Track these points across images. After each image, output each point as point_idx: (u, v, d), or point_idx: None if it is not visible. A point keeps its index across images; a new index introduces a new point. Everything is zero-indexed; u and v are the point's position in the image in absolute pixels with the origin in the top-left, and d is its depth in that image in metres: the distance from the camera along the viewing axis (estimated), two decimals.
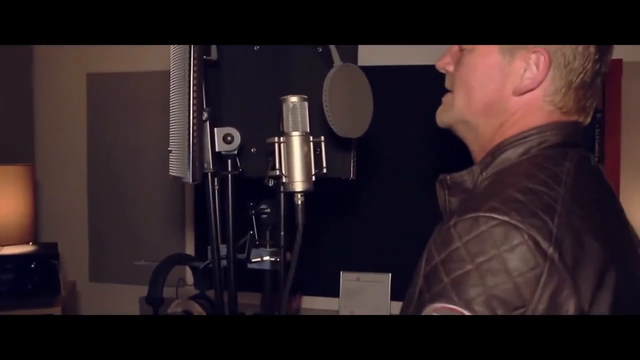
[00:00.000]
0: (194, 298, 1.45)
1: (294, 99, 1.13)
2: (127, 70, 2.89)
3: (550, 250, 0.72)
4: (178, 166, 1.11)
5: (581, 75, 0.87)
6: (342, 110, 1.09)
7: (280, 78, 1.25)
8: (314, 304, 2.74)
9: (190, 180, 1.06)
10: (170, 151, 1.13)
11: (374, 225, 2.68)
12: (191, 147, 1.05)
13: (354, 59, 1.25)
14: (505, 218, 0.73)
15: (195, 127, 1.06)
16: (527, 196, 0.77)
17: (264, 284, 1.29)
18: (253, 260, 1.25)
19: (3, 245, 2.34)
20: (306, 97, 1.14)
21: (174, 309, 1.43)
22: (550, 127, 0.89)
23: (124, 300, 2.76)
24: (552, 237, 0.73)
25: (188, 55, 1.06)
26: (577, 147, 0.91)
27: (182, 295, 1.55)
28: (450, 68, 0.97)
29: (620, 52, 2.22)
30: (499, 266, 0.72)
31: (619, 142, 2.24)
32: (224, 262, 1.21)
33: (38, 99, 3.03)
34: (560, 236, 0.74)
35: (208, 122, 1.15)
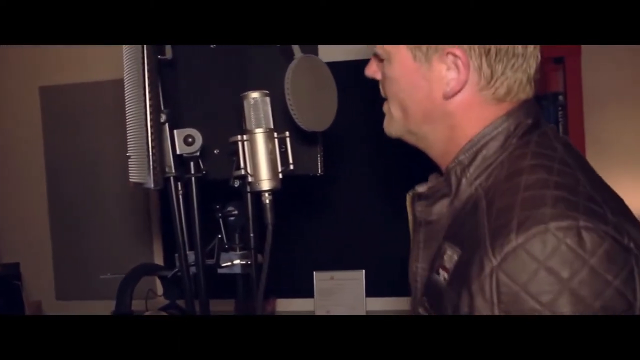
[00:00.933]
0: (164, 308, 1.40)
1: (255, 94, 1.10)
2: (81, 80, 2.81)
3: (626, 241, 0.70)
4: (138, 172, 1.06)
5: (502, 63, 0.84)
6: (305, 103, 1.06)
7: (239, 75, 1.22)
8: (289, 307, 2.71)
9: (152, 186, 1.01)
10: (129, 157, 1.08)
11: (344, 222, 2.66)
12: (150, 151, 1.00)
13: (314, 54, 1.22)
14: (575, 223, 0.70)
15: (153, 130, 1.01)
16: (565, 191, 0.74)
17: (237, 288, 1.25)
18: (223, 264, 1.21)
19: None
20: (268, 92, 1.10)
21: None
22: (515, 110, 0.87)
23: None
24: (619, 229, 0.71)
25: (141, 56, 1.01)
26: (542, 120, 0.89)
27: (153, 306, 1.50)
28: (378, 76, 0.95)
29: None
30: (591, 277, 0.68)
31: (583, 125, 2.25)
32: (193, 269, 1.17)
33: None
34: (618, 223, 0.72)
35: (167, 125, 1.10)
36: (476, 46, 0.84)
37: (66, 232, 2.89)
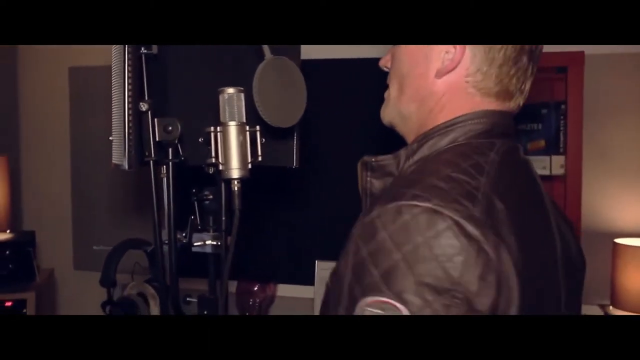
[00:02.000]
0: (148, 281, 1.52)
1: (230, 90, 1.18)
2: (107, 63, 2.94)
3: (476, 233, 0.73)
4: (118, 154, 1.17)
5: (497, 56, 0.89)
6: (271, 101, 1.15)
7: (221, 71, 1.31)
8: (289, 292, 2.81)
9: (127, 167, 1.12)
10: (111, 140, 1.19)
11: (350, 213, 2.73)
12: (127, 137, 1.11)
13: (296, 55, 1.30)
14: (428, 204, 0.73)
15: (130, 118, 1.12)
16: (448, 184, 0.78)
17: (208, 267, 1.35)
18: (195, 244, 1.31)
19: None
20: (242, 89, 1.19)
21: (129, 291, 1.50)
22: (478, 114, 0.90)
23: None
24: (475, 221, 0.73)
25: (124, 49, 1.12)
26: (506, 138, 0.92)
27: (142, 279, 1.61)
28: (389, 64, 1.02)
29: (582, 44, 2.28)
30: (427, 253, 0.71)
31: (581, 133, 2.28)
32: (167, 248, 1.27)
33: (22, 93, 3.09)
34: (483, 221, 0.74)
35: (149, 113, 1.20)
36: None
37: (86, 207, 3.04)
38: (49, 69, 3.06)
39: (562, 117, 2.37)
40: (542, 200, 0.95)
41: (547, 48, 2.29)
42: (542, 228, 0.91)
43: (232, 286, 2.72)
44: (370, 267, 0.74)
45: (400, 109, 0.99)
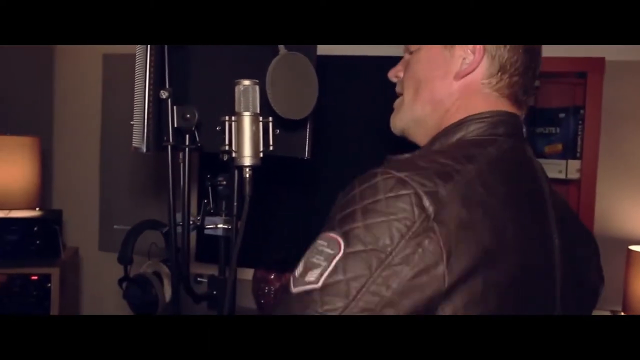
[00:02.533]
0: (164, 261, 1.59)
1: (246, 82, 1.25)
2: None
3: (431, 208, 0.77)
4: (137, 138, 1.24)
5: (512, 62, 0.96)
6: (283, 94, 1.21)
7: (238, 64, 1.37)
8: None
9: (145, 150, 1.19)
10: (132, 125, 1.26)
11: None
12: (146, 122, 1.18)
13: (312, 52, 1.36)
14: (399, 174, 0.80)
15: (151, 104, 1.19)
16: (431, 164, 0.83)
17: (219, 251, 1.41)
18: (207, 226, 1.37)
19: (10, 209, 2.53)
20: (257, 81, 1.25)
21: (145, 269, 1.57)
22: (488, 114, 0.96)
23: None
24: (436, 198, 0.78)
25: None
26: (512, 137, 0.96)
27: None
28: (401, 74, 1.07)
29: (603, 50, 2.29)
30: (380, 208, 0.78)
31: (598, 139, 2.30)
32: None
33: (57, 78, 3.21)
34: (448, 201, 0.79)
35: (169, 100, 1.27)
36: (493, 46, 0.96)
37: (113, 190, 3.14)
38: (84, 56, 3.17)
39: (580, 122, 2.39)
40: (542, 199, 0.96)
41: (568, 53, 2.31)
42: (535, 222, 0.93)
43: (249, 273, 2.79)
44: (337, 212, 0.82)
45: (414, 113, 1.04)
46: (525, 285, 0.87)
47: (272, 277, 2.79)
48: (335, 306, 0.76)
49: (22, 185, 2.55)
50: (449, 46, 0.98)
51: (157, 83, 1.21)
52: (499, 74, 0.96)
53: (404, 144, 1.08)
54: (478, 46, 0.96)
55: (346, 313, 0.75)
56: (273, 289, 2.77)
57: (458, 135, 0.96)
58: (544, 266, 0.92)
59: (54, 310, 2.40)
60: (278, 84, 1.20)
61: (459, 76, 0.98)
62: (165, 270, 1.55)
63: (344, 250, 0.78)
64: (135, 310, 1.47)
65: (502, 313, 0.82)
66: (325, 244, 0.80)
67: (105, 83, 3.15)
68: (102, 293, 3.10)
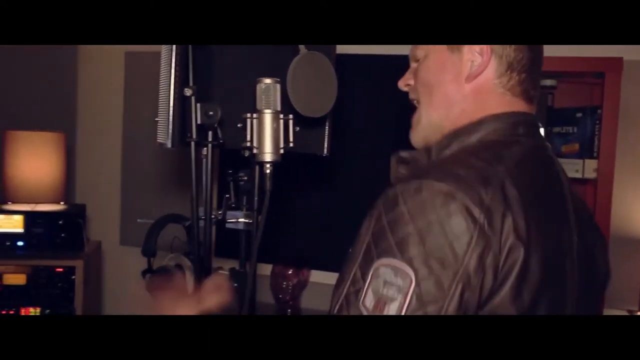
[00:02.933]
0: (186, 254, 1.63)
1: (267, 81, 1.29)
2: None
3: (481, 217, 0.81)
4: (162, 134, 1.29)
5: (518, 59, 0.99)
6: (303, 92, 1.25)
7: (260, 63, 1.41)
8: (321, 278, 2.91)
9: (169, 145, 1.24)
10: (156, 121, 1.31)
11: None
12: (170, 118, 1.22)
13: (332, 51, 1.40)
14: (444, 186, 0.82)
15: (175, 101, 1.23)
16: (467, 170, 0.86)
17: (239, 245, 1.45)
18: (229, 220, 1.42)
19: (37, 203, 2.60)
20: (278, 80, 1.29)
21: (168, 262, 1.62)
22: (507, 114, 1.00)
23: (145, 263, 2.99)
24: (483, 206, 0.82)
25: None
26: (531, 137, 1.00)
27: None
28: (411, 82, 1.10)
29: (621, 50, 2.30)
30: (438, 229, 0.80)
31: (615, 139, 2.31)
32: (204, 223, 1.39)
33: (81, 75, 3.28)
34: (492, 207, 0.83)
35: (193, 98, 1.32)
36: (498, 46, 0.99)
37: (134, 185, 3.20)
38: (107, 53, 3.23)
39: (597, 122, 2.40)
40: (563, 196, 1.01)
41: (586, 53, 2.32)
42: (559, 219, 0.98)
43: (267, 269, 2.83)
44: (388, 233, 0.83)
45: (431, 119, 1.06)
46: (544, 281, 0.90)
47: (290, 272, 2.83)
48: None
49: (48, 180, 2.62)
50: (456, 50, 1.02)
51: (181, 81, 1.26)
52: (508, 72, 1.00)
53: None
54: (485, 48, 0.99)
55: None
56: (291, 284, 2.82)
57: (479, 135, 0.99)
58: (563, 264, 0.95)
59: (78, 301, 2.46)
60: (298, 83, 1.24)
61: (470, 78, 1.01)
62: (187, 263, 1.59)
63: (415, 279, 0.81)
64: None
65: (534, 307, 0.87)
66: (392, 273, 0.82)
67: (127, 80, 3.21)
68: (123, 285, 3.17)
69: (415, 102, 1.09)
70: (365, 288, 0.83)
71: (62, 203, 2.68)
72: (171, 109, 1.23)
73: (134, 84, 3.19)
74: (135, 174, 3.20)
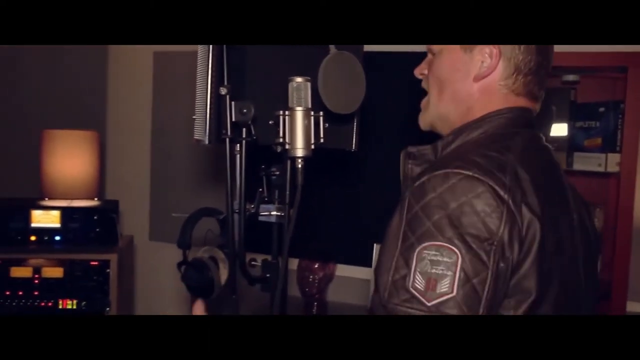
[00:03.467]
0: (220, 246, 1.69)
1: (298, 79, 1.34)
2: (189, 49, 3.16)
3: (506, 196, 0.91)
4: (200, 131, 1.35)
5: (526, 62, 1.08)
6: (333, 90, 1.30)
7: (292, 62, 1.46)
8: (347, 272, 2.96)
9: (207, 142, 1.30)
10: (194, 119, 1.37)
11: None
12: (208, 116, 1.29)
13: (359, 50, 1.45)
14: (470, 172, 0.92)
15: (212, 100, 1.30)
16: (483, 159, 0.97)
17: (272, 237, 1.51)
18: (262, 213, 1.48)
19: (73, 199, 2.69)
20: (309, 78, 1.35)
21: (202, 254, 1.68)
22: (506, 110, 1.10)
23: (174, 257, 3.07)
24: (505, 187, 0.92)
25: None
26: (529, 128, 1.11)
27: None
28: (425, 71, 1.20)
29: None
30: (469, 209, 0.90)
31: (638, 133, 2.33)
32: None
33: (111, 74, 3.36)
34: (512, 188, 0.93)
35: (228, 96, 1.37)
36: (508, 49, 1.08)
37: (163, 182, 3.28)
38: (136, 53, 3.31)
39: (620, 116, 2.42)
40: (561, 178, 1.13)
41: (609, 48, 2.35)
42: (560, 198, 1.09)
43: (294, 263, 2.90)
44: (424, 219, 0.92)
45: (439, 110, 1.17)
46: (557, 251, 1.00)
47: (316, 266, 2.89)
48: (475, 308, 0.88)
49: (83, 177, 2.71)
50: (468, 50, 1.10)
51: (217, 80, 1.32)
52: (514, 75, 1.09)
53: (435, 138, 1.19)
54: (495, 50, 1.07)
55: (482, 308, 0.88)
56: (317, 278, 2.88)
57: (482, 129, 1.09)
58: (570, 236, 1.06)
59: (113, 294, 2.55)
60: (329, 81, 1.29)
61: (478, 78, 1.10)
62: (220, 255, 1.65)
63: (461, 254, 0.88)
64: (192, 292, 1.58)
65: (550, 275, 0.96)
66: (437, 253, 0.90)
67: (155, 79, 3.29)
68: (155, 278, 3.26)
69: (426, 89, 1.20)
70: (412, 272, 0.90)
71: (95, 199, 2.77)
72: (208, 107, 1.29)
73: (162, 83, 3.27)
74: (164, 171, 3.28)
